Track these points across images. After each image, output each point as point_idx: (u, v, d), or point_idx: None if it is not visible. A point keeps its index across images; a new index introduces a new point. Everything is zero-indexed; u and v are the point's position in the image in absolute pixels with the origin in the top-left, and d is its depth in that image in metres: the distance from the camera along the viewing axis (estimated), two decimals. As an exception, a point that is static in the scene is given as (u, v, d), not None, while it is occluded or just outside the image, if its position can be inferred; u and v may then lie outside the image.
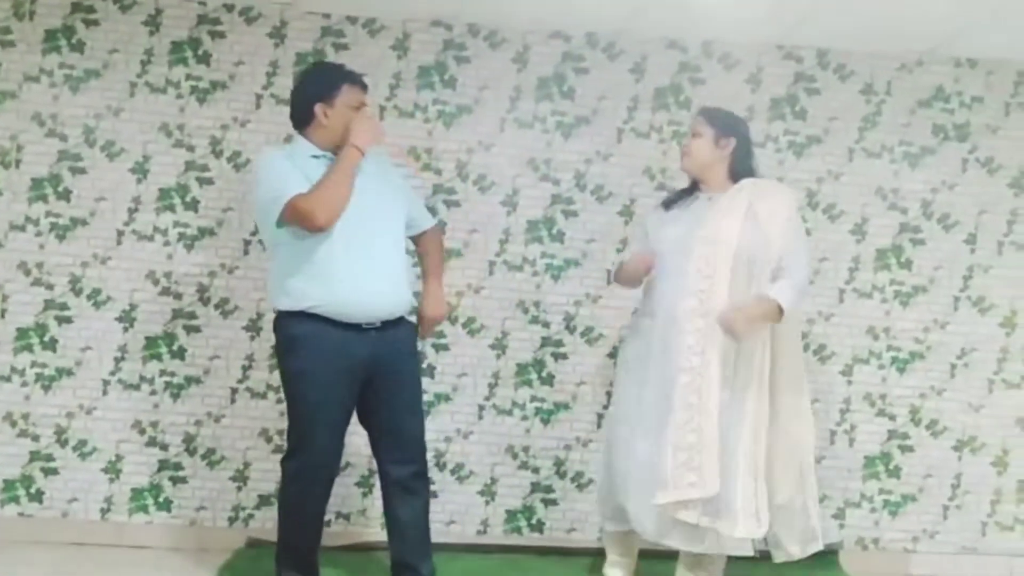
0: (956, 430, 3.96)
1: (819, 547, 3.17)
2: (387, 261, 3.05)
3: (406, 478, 3.12)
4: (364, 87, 3.15)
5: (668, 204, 3.30)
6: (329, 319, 2.98)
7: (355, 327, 3.00)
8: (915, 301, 3.98)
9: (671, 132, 3.91)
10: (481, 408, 3.87)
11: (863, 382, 3.97)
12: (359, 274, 2.98)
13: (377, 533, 3.72)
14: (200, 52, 3.77)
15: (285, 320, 3.04)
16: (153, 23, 3.76)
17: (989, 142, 3.98)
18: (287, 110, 3.66)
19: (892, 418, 3.97)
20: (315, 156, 3.05)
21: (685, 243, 3.11)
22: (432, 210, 3.71)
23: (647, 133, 3.91)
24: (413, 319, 3.23)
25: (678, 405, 3.01)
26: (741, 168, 3.21)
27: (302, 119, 3.10)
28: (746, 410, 3.04)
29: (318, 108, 3.06)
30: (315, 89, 3.08)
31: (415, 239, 3.29)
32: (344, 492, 3.77)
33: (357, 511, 3.80)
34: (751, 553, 3.08)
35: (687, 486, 2.98)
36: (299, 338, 3.01)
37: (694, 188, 3.26)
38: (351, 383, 3.03)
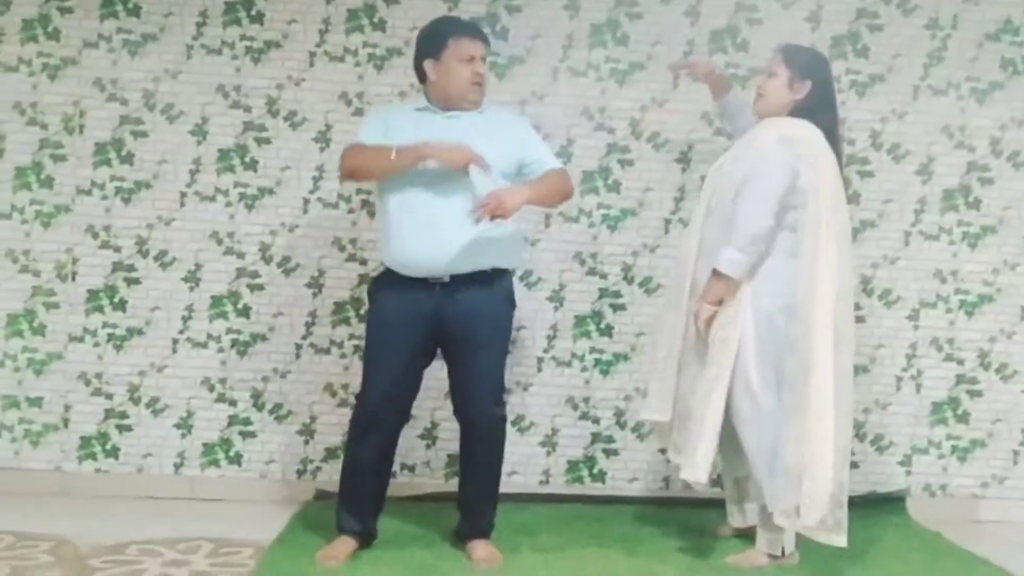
0: (1027, 374, 3.88)
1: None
2: (448, 215, 3.00)
3: (475, 437, 3.14)
4: (478, 38, 3.11)
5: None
6: (399, 275, 3.06)
7: (422, 282, 3.03)
8: (984, 243, 3.88)
9: (730, 76, 3.82)
10: (540, 360, 3.88)
11: (930, 326, 3.89)
12: (417, 230, 3.00)
13: (441, 485, 3.79)
14: (253, 12, 3.79)
15: (377, 276, 3.23)
16: (206, -16, 3.79)
17: (1062, 75, 3.84)
18: (341, 67, 3.68)
19: (960, 363, 3.90)
20: (419, 108, 3.12)
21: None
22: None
23: (703, 77, 3.83)
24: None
25: (706, 397, 3.06)
26: (814, 115, 3.06)
27: (420, 78, 3.15)
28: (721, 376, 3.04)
29: (427, 65, 3.08)
30: (424, 47, 3.11)
31: None
32: (407, 444, 3.83)
33: (421, 462, 3.86)
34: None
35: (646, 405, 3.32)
36: (372, 293, 3.19)
37: None
38: (411, 336, 3.06)
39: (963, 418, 3.90)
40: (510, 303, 3.18)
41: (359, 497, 3.16)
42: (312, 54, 3.79)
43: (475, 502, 3.20)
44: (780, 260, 3.02)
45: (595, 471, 3.90)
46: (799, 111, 3.08)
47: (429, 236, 3.00)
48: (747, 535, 3.28)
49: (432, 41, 3.09)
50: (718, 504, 3.47)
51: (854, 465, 3.85)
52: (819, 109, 3.08)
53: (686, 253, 3.22)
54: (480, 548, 3.15)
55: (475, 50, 3.09)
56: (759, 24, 3.84)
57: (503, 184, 3.01)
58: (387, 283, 3.12)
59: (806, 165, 2.99)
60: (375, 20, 3.79)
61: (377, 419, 3.11)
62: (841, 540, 2.95)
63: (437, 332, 3.08)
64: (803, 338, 2.96)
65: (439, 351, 3.17)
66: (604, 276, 3.86)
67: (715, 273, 3.02)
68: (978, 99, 3.86)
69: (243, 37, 3.80)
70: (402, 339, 3.07)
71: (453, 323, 3.06)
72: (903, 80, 3.86)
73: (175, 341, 3.82)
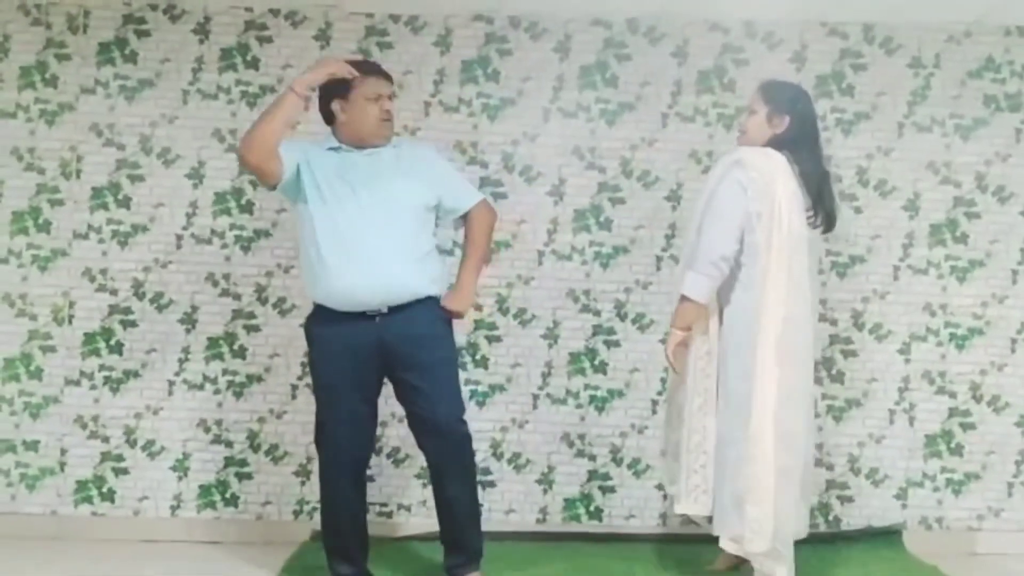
0: (1018, 405, 3.89)
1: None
2: (385, 248, 3.03)
3: (445, 457, 3.14)
4: (382, 77, 3.17)
5: None
6: (335, 310, 3.07)
7: (360, 315, 3.05)
8: (972, 276, 3.92)
9: (716, 115, 3.89)
10: (535, 397, 3.90)
11: (921, 360, 3.92)
12: (350, 263, 3.02)
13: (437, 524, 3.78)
14: (249, 57, 3.86)
15: (310, 314, 3.19)
16: (202, 31, 3.85)
17: (1043, 111, 3.91)
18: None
19: (952, 395, 3.92)
20: (332, 148, 3.14)
21: None
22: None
23: (692, 117, 3.90)
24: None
25: (693, 427, 3.11)
26: (793, 147, 3.09)
27: (327, 117, 3.19)
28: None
29: (335, 105, 3.13)
30: (332, 86, 3.13)
31: (464, 222, 3.29)
32: (402, 484, 3.84)
33: (417, 502, 3.86)
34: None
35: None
36: (311, 330, 3.17)
37: None
38: (360, 372, 3.08)
39: (957, 451, 3.91)
40: (448, 324, 3.21)
41: (344, 540, 3.16)
42: (307, 98, 3.83)
43: (457, 530, 3.18)
44: (745, 290, 3.08)
45: (592, 508, 3.90)
46: (777, 144, 3.11)
47: (367, 271, 3.02)
48: (742, 567, 3.27)
49: (339, 81, 3.11)
50: (716, 540, 3.47)
51: (849, 499, 3.88)
52: (799, 142, 3.12)
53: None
54: None
55: (382, 88, 3.15)
56: (745, 65, 3.91)
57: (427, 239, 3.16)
58: (324, 320, 3.11)
59: (755, 188, 3.03)
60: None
61: (343, 460, 3.13)
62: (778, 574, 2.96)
63: (383, 362, 3.10)
64: (746, 362, 3.01)
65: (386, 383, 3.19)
66: (597, 313, 3.90)
67: (681, 298, 3.09)
68: (962, 135, 3.92)
69: (239, 82, 3.85)
70: (352, 374, 3.08)
71: (400, 349, 3.07)
72: (888, 118, 3.92)
73: (171, 383, 3.83)
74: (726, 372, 3.09)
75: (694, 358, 3.14)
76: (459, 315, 3.22)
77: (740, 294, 3.08)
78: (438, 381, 3.12)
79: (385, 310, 3.06)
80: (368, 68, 3.19)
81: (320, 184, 3.08)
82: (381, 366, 3.11)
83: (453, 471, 3.14)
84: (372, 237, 3.03)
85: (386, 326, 3.06)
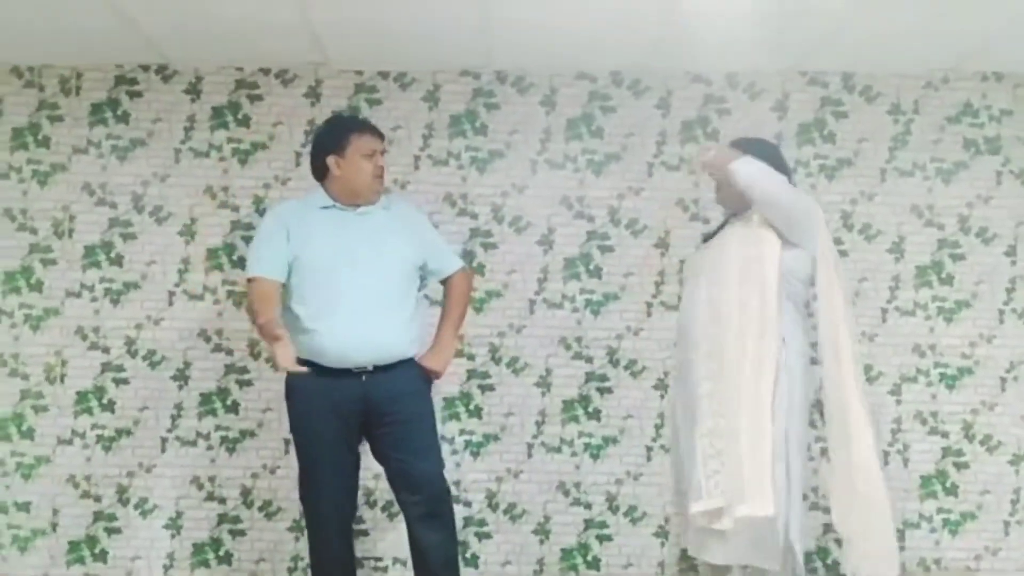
0: (1011, 444, 3.91)
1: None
2: (370, 309, 3.08)
3: (423, 510, 3.14)
4: (376, 135, 3.24)
5: (706, 238, 3.34)
6: (321, 366, 3.08)
7: (345, 372, 3.08)
8: (959, 316, 3.96)
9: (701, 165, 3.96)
10: (530, 446, 3.90)
11: (912, 400, 3.94)
12: (337, 323, 3.06)
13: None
14: (240, 115, 3.91)
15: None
16: (194, 90, 3.90)
17: (1022, 153, 3.97)
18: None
19: (945, 435, 3.93)
20: (325, 207, 3.18)
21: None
22: (469, 255, 3.79)
23: (677, 166, 3.96)
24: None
25: (704, 413, 2.99)
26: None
27: (319, 172, 3.23)
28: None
29: (330, 160, 3.17)
30: (327, 142, 3.20)
31: (443, 286, 3.36)
32: (398, 538, 3.78)
33: (413, 555, 3.83)
34: (776, 568, 2.99)
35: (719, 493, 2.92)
36: (293, 386, 3.17)
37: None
38: (343, 427, 3.12)
39: (952, 491, 3.92)
40: (428, 381, 3.25)
41: None
42: (298, 154, 3.90)
43: None
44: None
45: (589, 558, 3.87)
46: None
47: (358, 331, 3.06)
48: None
49: (335, 138, 3.19)
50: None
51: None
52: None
53: (689, 322, 3.17)
54: None
55: (376, 145, 3.22)
56: (728, 114, 3.98)
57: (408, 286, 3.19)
58: (304, 375, 3.05)
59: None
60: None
61: (329, 512, 3.15)
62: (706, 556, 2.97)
63: (365, 419, 3.13)
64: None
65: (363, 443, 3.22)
66: (590, 360, 3.91)
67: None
68: (944, 179, 3.99)
69: (230, 140, 3.90)
70: (336, 428, 3.11)
71: (383, 406, 3.10)
72: (870, 163, 3.99)
73: (164, 440, 3.82)
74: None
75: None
76: (437, 375, 3.27)
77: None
78: (420, 435, 3.16)
79: (371, 368, 3.10)
80: (363, 125, 3.27)
81: (311, 246, 3.12)
82: (363, 422, 3.14)
83: (431, 523, 3.15)
84: (364, 297, 3.07)
85: (372, 384, 3.09)
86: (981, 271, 3.98)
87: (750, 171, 3.01)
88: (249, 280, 3.16)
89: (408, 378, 3.16)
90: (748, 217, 3.11)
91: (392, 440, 3.13)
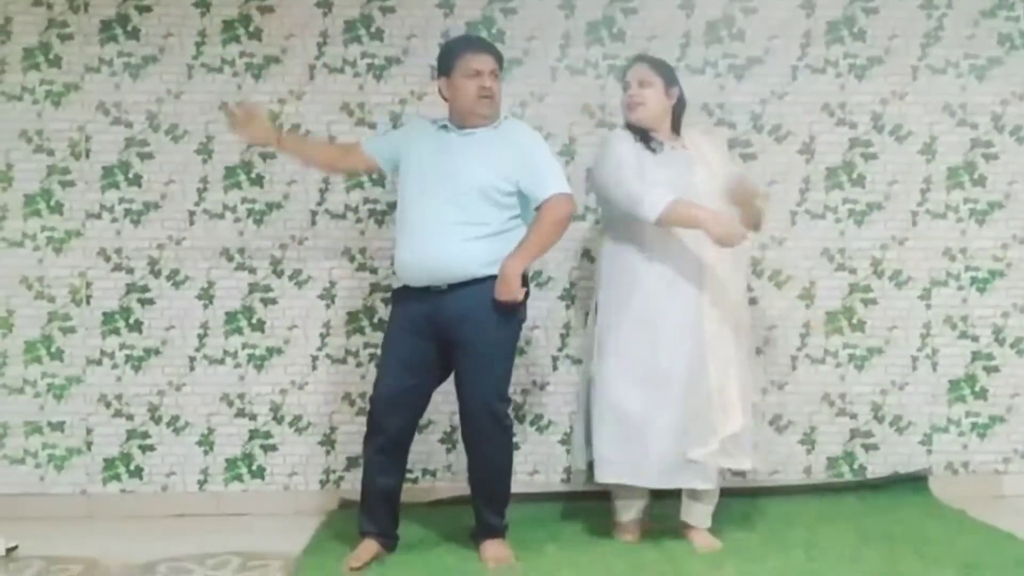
0: (1043, 346, 3.88)
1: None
2: (438, 228, 3.08)
3: (478, 425, 3.16)
4: (483, 51, 3.17)
5: (648, 143, 3.23)
6: (406, 284, 3.19)
7: (424, 290, 3.13)
8: (991, 218, 3.89)
9: (726, 66, 3.85)
10: (555, 359, 3.90)
11: (942, 305, 3.90)
12: (412, 241, 3.13)
13: (463, 488, 3.78)
14: (252, 28, 3.82)
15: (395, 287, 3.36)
16: (203, 4, 3.81)
17: (1060, 47, 3.84)
18: (341, 79, 3.72)
19: (975, 339, 3.90)
20: (441, 127, 3.23)
21: (683, 192, 3.10)
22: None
23: (702, 69, 3.85)
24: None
25: (712, 355, 3.12)
26: (679, 119, 3.30)
27: (443, 98, 3.25)
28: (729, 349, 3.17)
29: (441, 83, 3.22)
30: (440, 65, 3.25)
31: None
32: (428, 449, 3.86)
33: (443, 467, 3.88)
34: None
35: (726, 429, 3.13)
36: (390, 301, 3.38)
37: (648, 137, 3.23)
38: (413, 343, 3.15)
39: (981, 395, 3.90)
40: (503, 307, 3.11)
41: (371, 498, 3.21)
42: (312, 67, 3.82)
43: (483, 502, 3.22)
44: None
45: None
46: (675, 116, 3.30)
47: (421, 248, 3.10)
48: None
49: (444, 61, 3.22)
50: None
51: (874, 447, 3.89)
52: (681, 113, 3.32)
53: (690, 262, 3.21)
54: (490, 548, 3.18)
55: (480, 64, 3.14)
56: (754, 13, 3.85)
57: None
58: (398, 292, 3.28)
59: None
60: (372, 30, 3.82)
61: (380, 422, 3.18)
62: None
63: (438, 338, 3.14)
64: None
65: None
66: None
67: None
68: (977, 76, 3.86)
69: (243, 54, 3.82)
70: (404, 346, 3.16)
71: (449, 328, 3.11)
72: (901, 61, 3.86)
73: (192, 359, 3.85)
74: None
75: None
76: (504, 305, 3.09)
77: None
78: (480, 365, 3.12)
79: (444, 287, 3.10)
80: (468, 44, 3.24)
81: (412, 165, 3.19)
82: (437, 342, 3.15)
83: (485, 449, 3.17)
84: (435, 216, 3.09)
85: (442, 303, 3.11)
86: (1015, 171, 3.88)
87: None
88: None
89: (477, 302, 3.09)
90: None
91: (455, 359, 3.16)
